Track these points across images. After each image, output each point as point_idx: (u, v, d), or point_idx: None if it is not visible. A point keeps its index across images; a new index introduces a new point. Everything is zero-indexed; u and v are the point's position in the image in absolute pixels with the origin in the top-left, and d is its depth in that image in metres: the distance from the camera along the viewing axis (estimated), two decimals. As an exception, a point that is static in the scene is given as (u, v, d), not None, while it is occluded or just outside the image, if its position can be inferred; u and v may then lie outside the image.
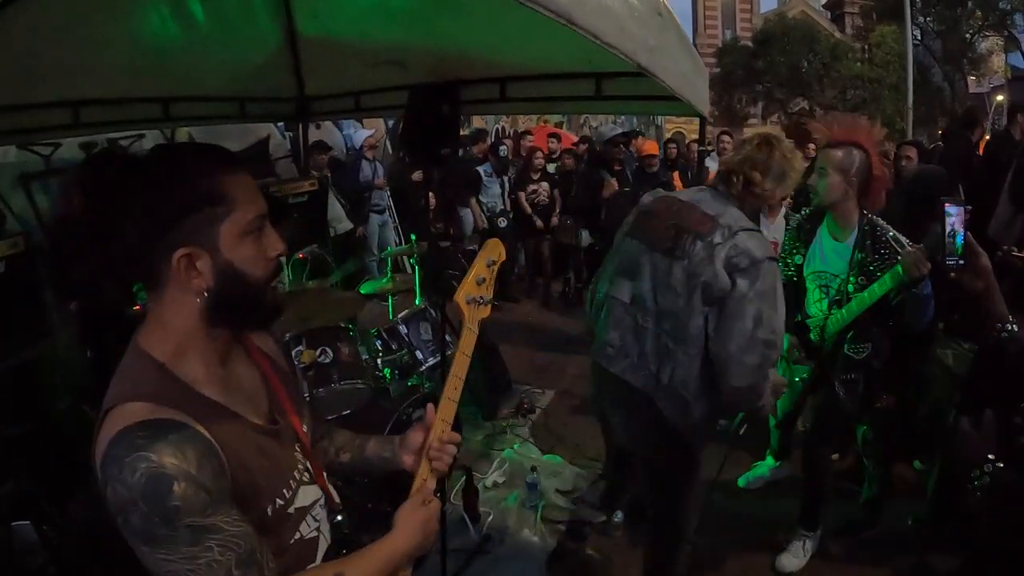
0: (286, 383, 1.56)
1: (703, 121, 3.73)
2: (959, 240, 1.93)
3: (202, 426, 1.22)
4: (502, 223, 8.79)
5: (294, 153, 8.25)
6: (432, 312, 4.78)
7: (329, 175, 8.05)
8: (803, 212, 3.73)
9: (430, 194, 5.64)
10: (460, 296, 1.68)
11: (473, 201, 8.97)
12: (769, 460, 4.56)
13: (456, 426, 1.72)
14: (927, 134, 30.02)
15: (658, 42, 2.37)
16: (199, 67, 3.56)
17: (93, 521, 2.97)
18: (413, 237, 4.99)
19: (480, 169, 9.02)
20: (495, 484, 4.43)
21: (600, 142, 9.55)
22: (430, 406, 1.67)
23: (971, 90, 32.93)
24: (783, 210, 4.95)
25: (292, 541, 1.41)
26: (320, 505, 1.53)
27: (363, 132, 9.31)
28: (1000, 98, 32.48)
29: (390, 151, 10.57)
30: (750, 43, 33.64)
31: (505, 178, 9.16)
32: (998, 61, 33.83)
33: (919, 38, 29.35)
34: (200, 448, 1.19)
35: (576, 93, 3.67)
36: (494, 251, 1.74)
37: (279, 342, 1.75)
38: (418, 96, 3.69)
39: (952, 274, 1.91)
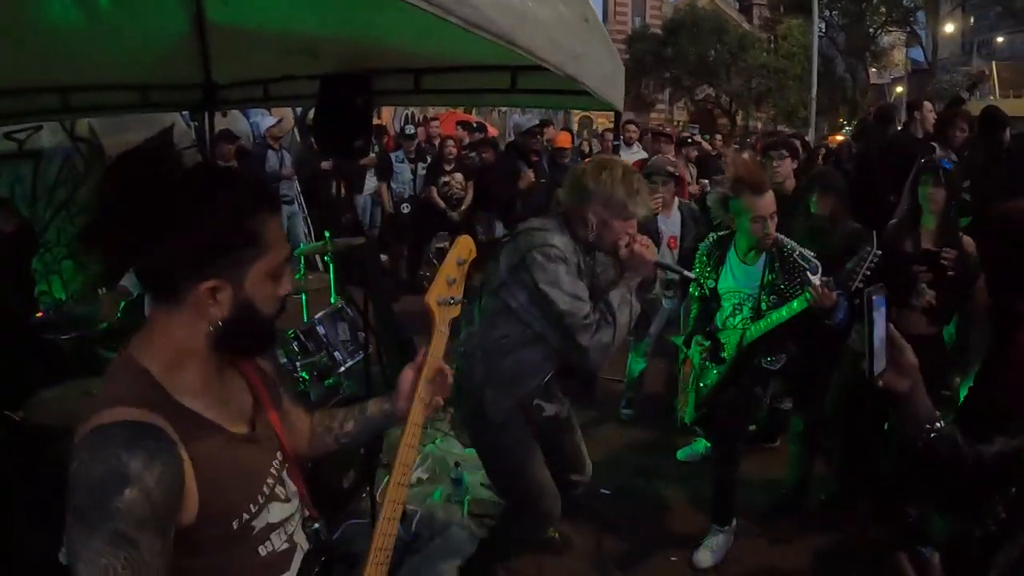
0: (269, 388, 1.58)
1: (618, 115, 3.75)
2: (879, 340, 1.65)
3: (181, 441, 1.25)
4: (405, 209, 8.65)
5: (199, 143, 7.94)
6: (350, 311, 4.67)
7: (236, 166, 7.79)
8: (711, 238, 3.85)
9: (339, 183, 5.51)
10: (431, 298, 1.67)
11: (383, 187, 8.81)
12: (703, 442, 4.72)
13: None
14: (828, 122, 31.21)
15: (584, 49, 2.38)
16: (99, 53, 3.35)
17: None
18: (327, 234, 4.86)
19: (392, 155, 8.86)
20: (419, 481, 4.36)
21: (518, 133, 9.51)
22: (422, 349, 1.68)
23: (872, 81, 34.31)
24: (676, 201, 5.01)
25: (263, 555, 1.44)
26: (293, 520, 1.54)
27: (270, 120, 9.04)
28: (899, 89, 34.11)
29: (298, 140, 10.31)
30: (660, 31, 34.20)
31: (420, 164, 8.98)
32: (899, 55, 35.48)
33: (824, 31, 30.37)
34: (169, 466, 1.21)
35: (491, 86, 3.62)
36: (464, 249, 1.73)
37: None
38: (330, 86, 3.59)
39: (879, 383, 1.66)
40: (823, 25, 29.98)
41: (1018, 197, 4.04)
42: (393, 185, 8.88)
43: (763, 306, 3.49)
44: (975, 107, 6.51)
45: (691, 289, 3.84)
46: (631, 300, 2.77)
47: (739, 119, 32.68)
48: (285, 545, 1.50)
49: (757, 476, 4.42)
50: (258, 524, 1.42)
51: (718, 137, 11.05)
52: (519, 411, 2.92)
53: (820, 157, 8.28)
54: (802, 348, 3.67)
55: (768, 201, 3.40)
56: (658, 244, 4.61)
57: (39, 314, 4.69)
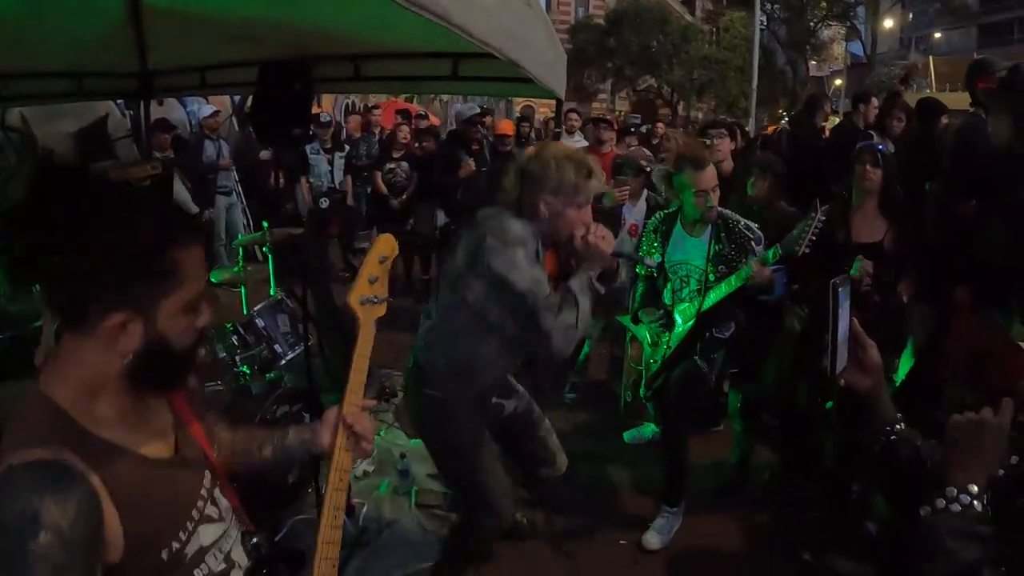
0: (192, 401, 1.52)
1: (560, 103, 3.76)
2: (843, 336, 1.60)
3: (98, 475, 1.19)
4: (323, 203, 8.23)
5: (135, 133, 7.74)
6: (289, 303, 4.58)
7: (172, 156, 7.60)
8: (658, 215, 3.94)
9: (278, 173, 5.41)
10: (353, 298, 1.64)
11: (303, 180, 8.40)
12: (650, 426, 4.77)
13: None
14: (768, 113, 31.77)
15: (527, 35, 2.37)
16: (31, 40, 3.23)
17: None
18: (266, 224, 4.76)
19: (306, 147, 8.30)
20: (365, 473, 4.31)
21: (459, 121, 9.38)
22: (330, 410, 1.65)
23: (812, 74, 35.04)
24: (644, 193, 5.06)
25: None
26: (228, 538, 1.49)
27: (208, 108, 8.80)
28: (838, 82, 34.91)
29: (236, 129, 10.08)
30: (603, 22, 34.33)
31: (337, 154, 8.56)
32: (839, 49, 36.32)
33: (766, 24, 30.86)
34: (84, 505, 1.16)
35: (432, 73, 3.61)
36: (386, 247, 1.70)
37: None
38: (268, 73, 3.51)
39: (841, 381, 1.64)
40: (765, 18, 30.48)
41: (947, 182, 4.19)
42: (311, 179, 8.42)
43: (711, 277, 3.58)
44: (912, 99, 6.68)
45: (637, 268, 3.88)
46: (591, 289, 2.67)
47: (680, 109, 33.01)
48: (222, 566, 1.45)
49: (702, 458, 4.46)
50: (190, 550, 1.38)
51: (660, 125, 11.14)
52: (475, 407, 2.86)
53: (758, 144, 8.39)
54: (742, 324, 3.78)
55: (709, 175, 3.54)
56: (617, 230, 4.67)
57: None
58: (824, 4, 33.03)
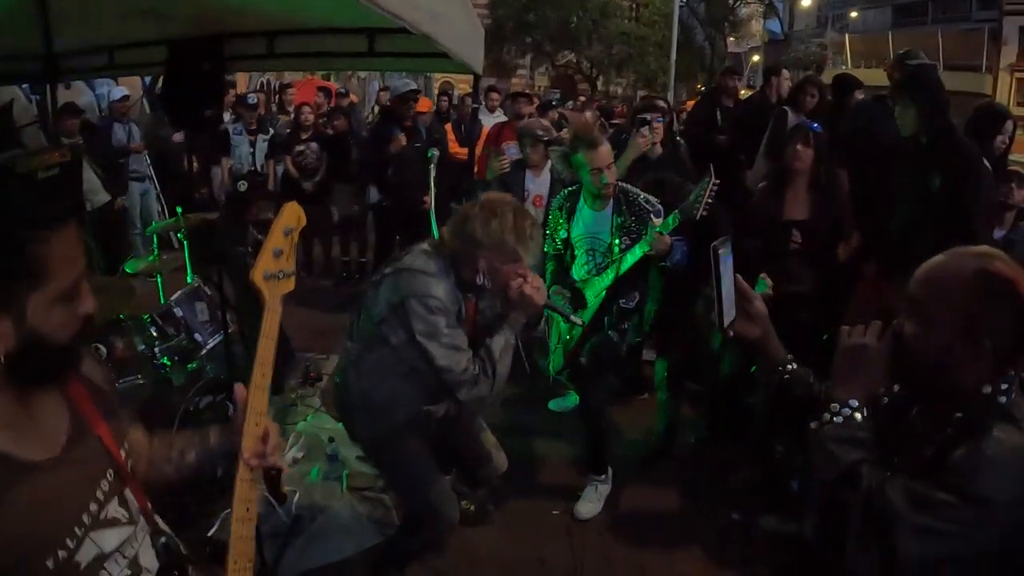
0: (96, 398, 1.42)
1: (477, 79, 3.74)
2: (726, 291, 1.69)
3: None
4: (242, 187, 7.76)
5: (41, 119, 7.38)
6: (207, 290, 4.45)
7: (81, 141, 7.27)
8: (563, 192, 4.00)
9: (191, 157, 5.23)
10: (257, 274, 1.52)
11: (224, 161, 7.97)
12: (573, 397, 4.79)
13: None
14: (686, 88, 32.21)
15: (441, 9, 2.32)
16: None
17: None
18: (179, 210, 4.61)
19: (227, 126, 7.93)
20: (295, 460, 4.26)
21: (393, 97, 9.12)
22: (239, 386, 1.54)
23: (730, 50, 35.59)
24: (548, 163, 5.07)
25: None
26: (135, 542, 1.40)
27: (118, 91, 8.43)
28: (756, 58, 35.57)
29: (148, 111, 9.71)
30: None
31: (261, 137, 8.13)
32: (757, 26, 36.85)
33: (685, 1, 31.15)
34: None
35: (349, 49, 3.56)
36: (291, 218, 1.59)
37: (92, 355, 1.58)
38: (178, 51, 3.39)
39: (731, 332, 1.75)
40: (684, -4, 30.78)
41: (859, 156, 4.34)
42: (232, 160, 8.00)
43: (615, 250, 3.70)
44: (830, 76, 6.90)
45: (545, 246, 3.91)
46: (512, 344, 2.75)
47: (599, 84, 33.19)
48: (126, 572, 1.36)
49: (629, 426, 4.62)
50: (84, 558, 1.28)
51: (581, 99, 11.25)
52: (404, 426, 2.85)
53: (677, 119, 8.53)
54: (661, 294, 3.99)
55: (603, 153, 3.65)
56: (523, 201, 4.68)
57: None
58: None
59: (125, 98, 8.24)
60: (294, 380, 5.24)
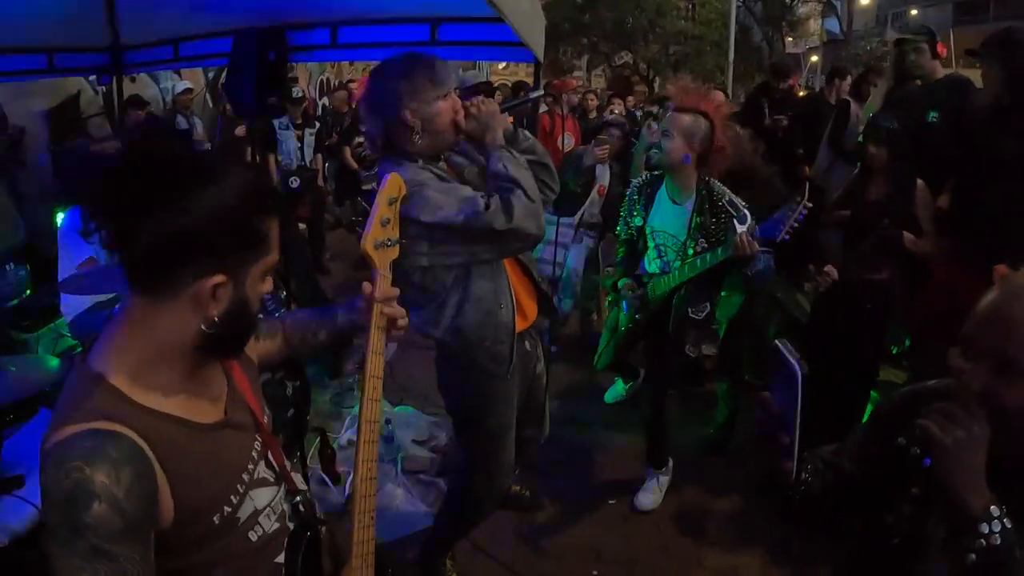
0: (249, 373, 1.53)
1: (538, 67, 3.73)
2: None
3: (150, 445, 1.19)
4: (293, 183, 7.67)
5: (107, 110, 7.62)
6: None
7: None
8: (644, 176, 3.84)
9: (254, 149, 5.35)
10: (367, 243, 1.60)
11: (270, 157, 7.76)
12: (619, 384, 4.78)
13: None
14: (744, 88, 31.79)
15: None
16: (1, 16, 3.19)
17: None
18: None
19: (275, 121, 7.73)
20: (350, 442, 4.30)
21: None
22: (365, 284, 1.63)
23: (788, 50, 35.01)
24: None
25: (254, 540, 1.40)
26: (279, 499, 1.49)
27: (182, 85, 8.67)
28: (814, 59, 34.90)
29: (210, 105, 9.94)
30: (577, -2, 34.20)
31: (308, 131, 8.12)
32: (815, 25, 36.19)
33: (742, 0, 30.77)
34: (137, 471, 1.16)
35: (411, 39, 3.58)
36: (394, 188, 1.65)
37: None
38: (242, 41, 3.48)
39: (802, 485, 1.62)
40: (741, -6, 30.43)
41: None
42: (279, 156, 7.89)
43: (690, 251, 3.47)
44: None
45: (618, 230, 3.83)
46: (514, 155, 2.42)
47: (656, 85, 32.95)
48: (276, 525, 1.45)
49: (688, 417, 4.56)
50: (243, 513, 1.37)
51: (629, 99, 11.23)
52: (507, 366, 2.61)
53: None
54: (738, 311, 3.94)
55: (677, 120, 3.42)
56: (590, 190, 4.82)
57: None
58: (800, -21, 33.07)
59: (188, 91, 8.47)
60: (351, 365, 5.32)
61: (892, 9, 33.51)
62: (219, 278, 1.22)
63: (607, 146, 5.16)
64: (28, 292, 4.62)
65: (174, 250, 1.19)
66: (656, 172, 3.72)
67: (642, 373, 4.50)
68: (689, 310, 3.58)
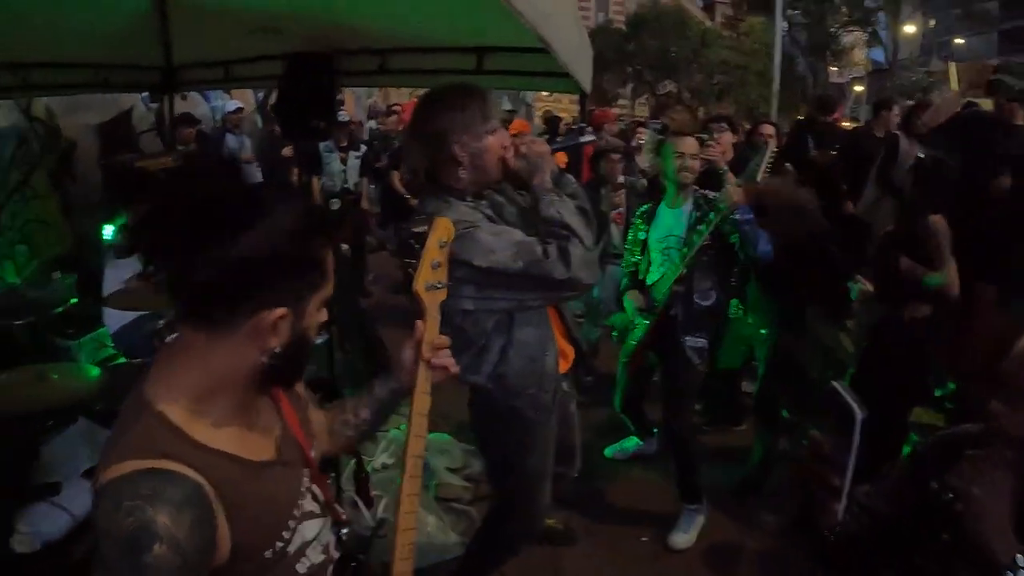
0: (296, 406, 1.51)
1: (584, 98, 3.75)
2: None
3: (209, 484, 1.19)
4: (334, 205, 7.80)
5: (159, 126, 7.78)
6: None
7: (195, 149, 7.63)
8: (646, 205, 3.99)
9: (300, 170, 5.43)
10: (419, 285, 1.63)
11: (315, 180, 7.79)
12: (633, 439, 4.66)
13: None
14: (788, 119, 31.58)
15: (553, 9, 2.31)
16: (57, 30, 3.27)
17: None
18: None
19: (321, 144, 7.72)
20: (384, 466, 4.31)
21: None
22: (418, 323, 1.65)
23: (832, 80, 34.80)
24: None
25: (302, 572, 1.40)
26: (327, 530, 1.50)
27: (232, 104, 8.86)
28: (859, 88, 34.63)
29: (260, 125, 10.13)
30: (623, 26, 34.34)
31: (352, 154, 8.20)
32: (859, 54, 35.91)
33: (787, 29, 30.70)
34: (198, 513, 1.16)
35: (457, 67, 3.60)
36: (444, 232, 1.67)
37: None
38: (294, 66, 3.54)
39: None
40: (785, 24, 30.33)
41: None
42: (323, 178, 7.96)
43: (695, 240, 3.60)
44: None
45: (622, 263, 4.02)
46: (565, 200, 2.36)
47: (700, 114, 32.94)
48: (322, 557, 1.46)
49: (724, 455, 4.49)
50: (293, 547, 1.38)
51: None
52: (547, 410, 2.55)
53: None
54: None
55: (690, 143, 3.68)
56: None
57: (-8, 299, 4.59)
58: (845, 10, 32.84)
59: (239, 110, 8.64)
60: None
61: (937, 38, 33.20)
62: (281, 311, 1.22)
63: (621, 191, 5.47)
64: (74, 300, 4.70)
65: (234, 287, 1.18)
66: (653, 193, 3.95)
67: (656, 432, 4.51)
68: (695, 297, 3.64)
